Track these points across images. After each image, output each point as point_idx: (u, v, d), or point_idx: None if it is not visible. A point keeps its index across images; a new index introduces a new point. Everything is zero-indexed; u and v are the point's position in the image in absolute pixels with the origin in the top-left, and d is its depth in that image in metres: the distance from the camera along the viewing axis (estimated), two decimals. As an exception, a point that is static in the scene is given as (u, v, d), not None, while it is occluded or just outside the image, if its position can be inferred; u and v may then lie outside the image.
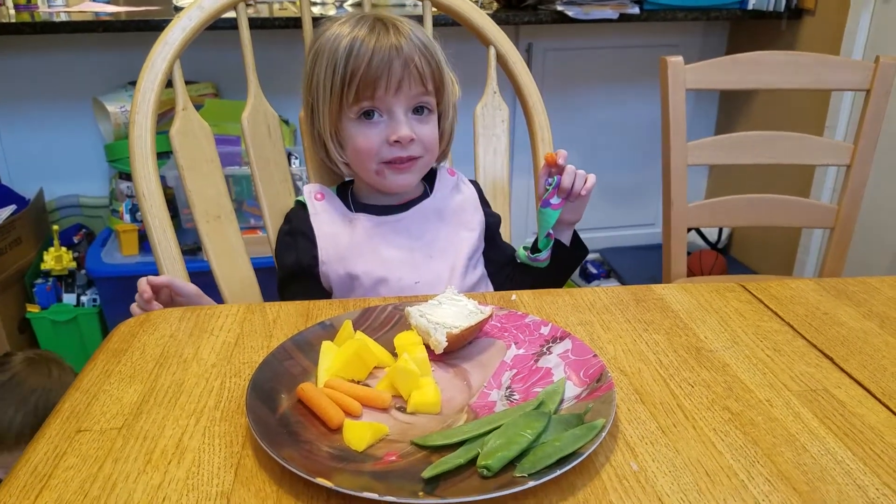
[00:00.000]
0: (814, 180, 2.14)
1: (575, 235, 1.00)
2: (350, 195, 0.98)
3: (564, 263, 0.99)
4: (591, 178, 0.92)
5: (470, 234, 0.97)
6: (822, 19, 2.13)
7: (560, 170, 0.91)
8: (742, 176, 2.44)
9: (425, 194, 0.98)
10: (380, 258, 0.92)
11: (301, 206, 0.96)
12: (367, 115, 0.87)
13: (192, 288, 0.87)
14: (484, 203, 1.01)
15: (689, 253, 2.25)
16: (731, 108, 2.56)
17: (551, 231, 0.93)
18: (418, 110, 0.89)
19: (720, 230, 2.60)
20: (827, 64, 1.33)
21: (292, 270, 0.94)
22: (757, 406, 0.61)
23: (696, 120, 2.57)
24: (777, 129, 1.35)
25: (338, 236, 0.93)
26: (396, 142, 0.87)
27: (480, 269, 0.99)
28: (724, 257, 2.51)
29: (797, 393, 0.63)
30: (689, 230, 1.35)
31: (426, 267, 0.93)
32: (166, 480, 0.52)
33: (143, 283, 0.82)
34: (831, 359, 0.69)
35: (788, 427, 0.58)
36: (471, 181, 1.03)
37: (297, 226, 0.95)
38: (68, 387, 1.29)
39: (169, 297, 0.85)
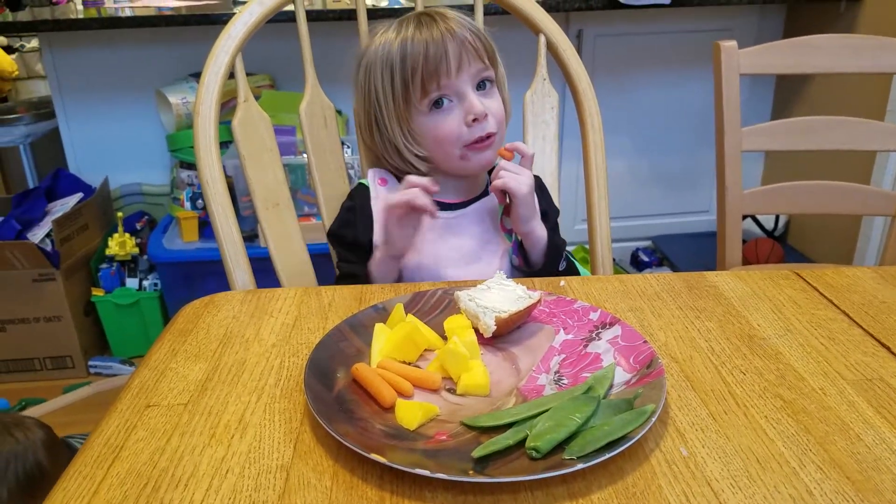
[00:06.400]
0: (874, 166, 2.07)
1: (551, 249, 0.94)
2: None
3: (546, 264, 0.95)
4: (506, 177, 0.89)
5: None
6: (882, 1, 2.05)
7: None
8: (799, 162, 2.37)
9: (485, 192, 0.98)
10: (431, 254, 0.94)
11: (364, 188, 0.98)
12: (437, 104, 0.89)
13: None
14: (543, 198, 1.00)
15: (744, 241, 2.21)
16: (787, 93, 2.49)
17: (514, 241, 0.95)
18: (481, 85, 0.91)
19: (777, 218, 2.53)
20: (887, 47, 1.28)
21: (350, 245, 0.96)
22: (810, 394, 0.61)
23: (752, 105, 2.50)
24: (836, 114, 1.31)
25: None
26: (475, 120, 0.89)
27: None
28: (781, 246, 2.45)
29: (852, 382, 0.62)
30: (744, 217, 1.33)
31: (474, 267, 0.94)
32: (230, 453, 0.55)
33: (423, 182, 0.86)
34: (888, 348, 0.68)
35: (842, 416, 0.58)
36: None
37: (359, 204, 0.96)
38: (39, 443, 1.21)
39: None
